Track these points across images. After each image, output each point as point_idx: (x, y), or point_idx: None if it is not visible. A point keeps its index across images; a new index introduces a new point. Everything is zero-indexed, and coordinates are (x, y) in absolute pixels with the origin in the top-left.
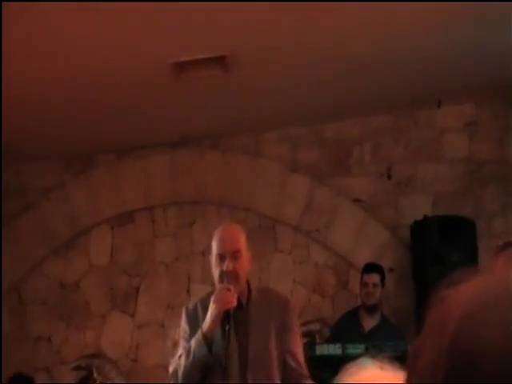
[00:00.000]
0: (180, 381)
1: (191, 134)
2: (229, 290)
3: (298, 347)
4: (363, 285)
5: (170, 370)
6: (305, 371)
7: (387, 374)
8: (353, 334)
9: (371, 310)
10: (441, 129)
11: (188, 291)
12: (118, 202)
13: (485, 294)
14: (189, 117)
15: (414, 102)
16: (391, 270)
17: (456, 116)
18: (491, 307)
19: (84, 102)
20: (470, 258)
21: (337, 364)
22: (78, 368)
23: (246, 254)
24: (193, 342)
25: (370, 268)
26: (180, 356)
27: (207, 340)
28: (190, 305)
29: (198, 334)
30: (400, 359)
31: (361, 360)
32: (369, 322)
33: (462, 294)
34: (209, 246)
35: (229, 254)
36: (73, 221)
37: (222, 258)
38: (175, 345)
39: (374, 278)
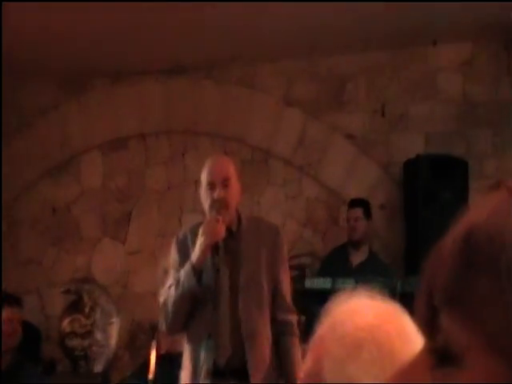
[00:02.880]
0: (170, 311)
1: (187, 62)
2: (217, 220)
3: (286, 277)
4: (347, 220)
5: (161, 300)
6: (290, 304)
7: (377, 303)
8: (341, 268)
9: (357, 245)
10: (436, 67)
11: (180, 220)
12: (112, 128)
13: (494, 208)
14: (185, 45)
15: (410, 40)
16: (382, 206)
17: (452, 55)
18: (503, 215)
19: (83, 26)
20: (462, 198)
21: (326, 298)
22: (67, 292)
23: (235, 184)
24: (182, 273)
25: (353, 203)
26: (170, 286)
27: (196, 271)
28: (180, 234)
29: (187, 266)
30: (389, 294)
31: (350, 291)
32: (356, 258)
33: (470, 214)
34: (200, 176)
35: (219, 183)
36: (66, 143)
37: (212, 186)
38: (166, 273)
39: (357, 212)
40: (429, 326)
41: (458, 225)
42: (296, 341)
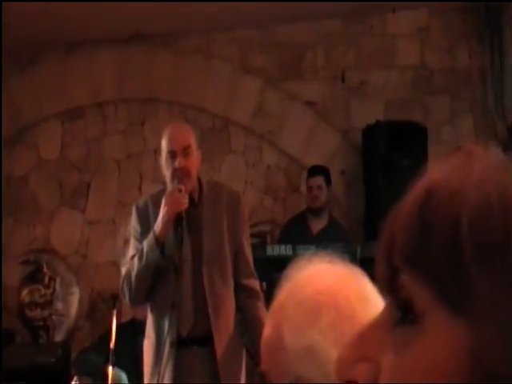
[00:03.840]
0: (133, 282)
1: (143, 31)
2: (180, 190)
3: (247, 243)
4: (308, 188)
5: (123, 270)
6: (252, 270)
7: (336, 267)
8: (301, 235)
9: (317, 212)
10: (394, 35)
11: (139, 189)
12: (68, 98)
13: (453, 169)
14: (141, 13)
15: (369, 7)
16: (343, 172)
17: (409, 22)
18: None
19: None
20: (420, 164)
21: (287, 265)
22: (26, 262)
23: (196, 152)
24: (145, 245)
25: (314, 171)
26: (132, 257)
27: (159, 242)
28: (141, 202)
29: (150, 237)
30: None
31: (309, 256)
32: (317, 225)
33: (430, 173)
34: (160, 145)
35: (179, 151)
36: (21, 114)
37: (172, 155)
38: (126, 242)
39: (318, 180)
40: (390, 285)
41: (418, 184)
42: (261, 305)
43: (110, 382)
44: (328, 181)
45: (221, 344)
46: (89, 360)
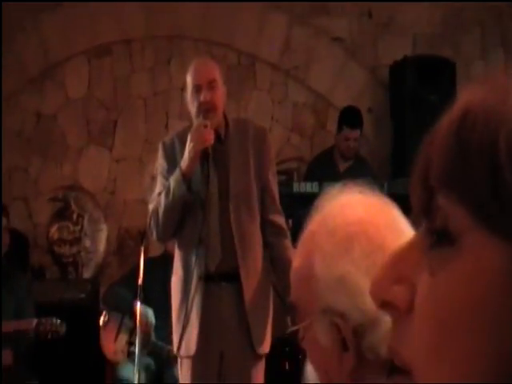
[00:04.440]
0: (160, 219)
1: None
2: (206, 126)
3: (274, 180)
4: (344, 138)
5: (150, 207)
6: (279, 206)
7: (367, 197)
8: (328, 173)
9: (348, 156)
10: None
11: (166, 126)
12: (94, 35)
13: (490, 89)
14: None
15: None
16: (370, 110)
17: None
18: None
19: None
20: (449, 100)
21: (314, 202)
22: (54, 199)
23: (221, 86)
24: (171, 181)
25: (354, 123)
26: (159, 194)
27: (186, 178)
28: (167, 139)
29: (177, 173)
30: None
31: (339, 187)
32: (344, 163)
33: (466, 94)
34: (186, 82)
35: (205, 84)
36: (47, 52)
37: (198, 89)
38: (153, 179)
39: (356, 133)
40: (426, 208)
41: (455, 105)
42: (288, 243)
43: (137, 318)
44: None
45: (248, 281)
46: (118, 294)
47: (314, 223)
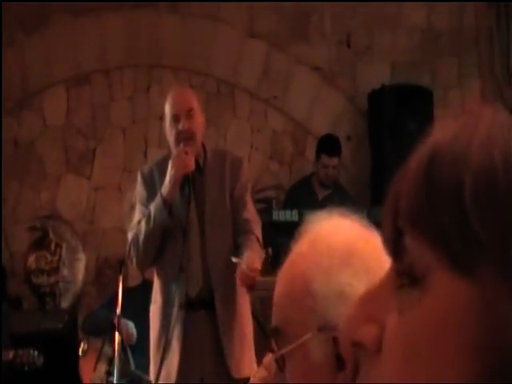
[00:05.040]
0: (141, 246)
1: None
2: (186, 153)
3: (248, 199)
4: (322, 165)
5: (129, 236)
6: (252, 214)
7: (355, 221)
8: (307, 201)
9: (327, 184)
10: None
11: (145, 155)
12: (74, 63)
13: (459, 130)
14: None
15: None
16: (349, 138)
17: None
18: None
19: None
20: (427, 127)
21: (293, 230)
22: (33, 228)
23: (200, 115)
24: (152, 207)
25: (332, 151)
26: (139, 222)
27: (167, 204)
28: (145, 169)
29: (158, 199)
30: None
31: (324, 215)
32: (322, 191)
33: (434, 134)
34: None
35: (183, 114)
36: (26, 80)
37: (176, 118)
38: (132, 208)
39: (335, 161)
40: (394, 248)
41: (423, 145)
42: (254, 237)
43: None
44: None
45: (223, 308)
46: (97, 316)
47: (303, 246)
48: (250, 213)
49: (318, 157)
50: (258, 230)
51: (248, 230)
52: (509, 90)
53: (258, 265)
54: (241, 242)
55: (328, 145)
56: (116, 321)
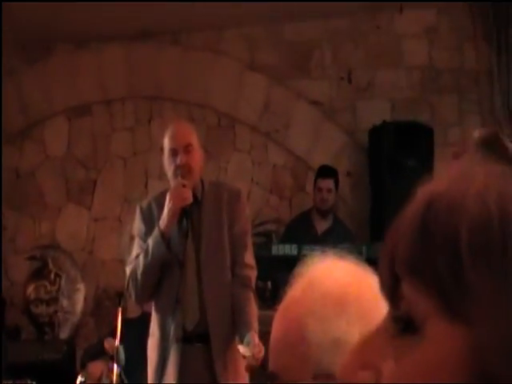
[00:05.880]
0: (139, 280)
1: (150, 28)
2: (184, 186)
3: (245, 235)
4: (317, 189)
5: (128, 270)
6: (246, 260)
7: (350, 263)
8: (306, 235)
9: (324, 213)
10: (401, 34)
11: (146, 186)
12: (75, 94)
13: (455, 177)
14: (148, 10)
15: (376, 6)
16: (348, 174)
17: (416, 22)
18: (465, 182)
19: None
20: (427, 165)
21: (292, 264)
22: (32, 258)
23: (198, 150)
24: (150, 241)
25: (325, 173)
26: (137, 256)
27: (165, 237)
28: (144, 203)
29: (156, 232)
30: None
31: (319, 254)
32: (322, 225)
33: (432, 183)
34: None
35: (181, 148)
36: (27, 110)
37: (174, 153)
38: (131, 239)
39: (329, 183)
40: (391, 294)
41: (419, 193)
42: (250, 294)
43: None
44: (337, 183)
45: (218, 343)
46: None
47: (298, 289)
48: (249, 258)
49: (315, 185)
50: (253, 279)
51: (247, 284)
52: (509, 127)
53: (262, 352)
54: (238, 299)
55: (322, 170)
56: (115, 352)
